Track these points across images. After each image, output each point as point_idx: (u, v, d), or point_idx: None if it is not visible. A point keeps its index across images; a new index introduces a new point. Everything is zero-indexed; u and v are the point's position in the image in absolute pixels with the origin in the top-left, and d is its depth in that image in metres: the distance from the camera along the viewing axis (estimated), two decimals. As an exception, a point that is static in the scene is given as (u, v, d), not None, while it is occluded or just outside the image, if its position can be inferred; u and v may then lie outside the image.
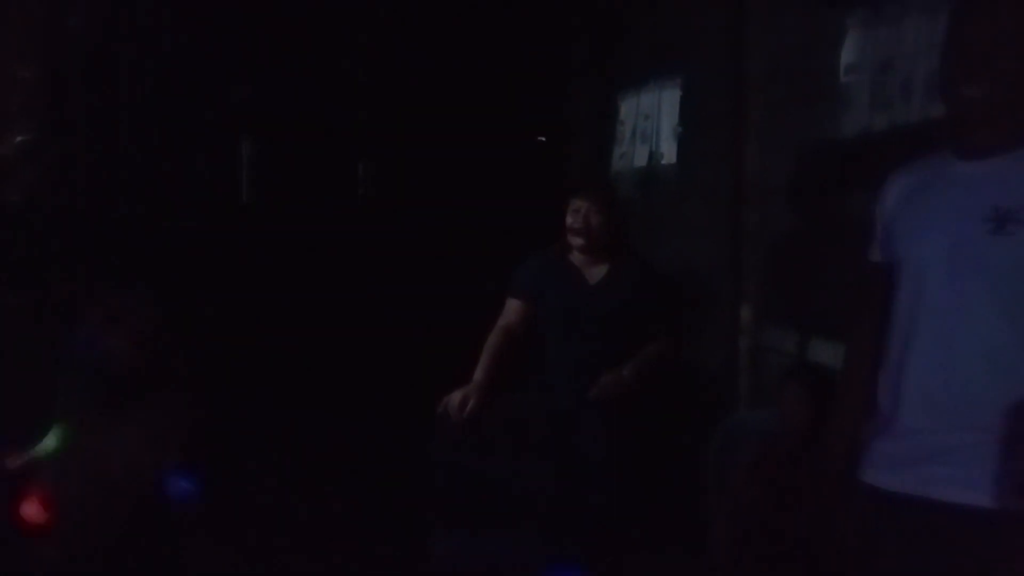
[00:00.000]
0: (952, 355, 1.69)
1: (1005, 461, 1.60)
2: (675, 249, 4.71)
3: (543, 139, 6.37)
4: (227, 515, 3.43)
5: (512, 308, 3.38)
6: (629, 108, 5.44)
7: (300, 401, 4.87)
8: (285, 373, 5.11)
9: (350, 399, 4.93)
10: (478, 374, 3.21)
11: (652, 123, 5.18)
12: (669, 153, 4.95)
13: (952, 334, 1.69)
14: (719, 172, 4.12)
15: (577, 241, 3.29)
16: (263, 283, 5.44)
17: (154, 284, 2.94)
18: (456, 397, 3.11)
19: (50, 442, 2.56)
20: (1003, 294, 1.65)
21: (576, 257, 3.34)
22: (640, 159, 5.28)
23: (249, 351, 4.87)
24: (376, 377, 5.27)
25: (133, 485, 2.50)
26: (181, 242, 4.94)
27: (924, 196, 1.81)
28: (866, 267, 1.92)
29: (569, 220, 3.30)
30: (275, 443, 4.50)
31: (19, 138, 4.35)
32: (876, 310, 1.85)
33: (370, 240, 6.00)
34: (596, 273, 3.32)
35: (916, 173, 1.86)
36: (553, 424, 3.23)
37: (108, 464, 2.49)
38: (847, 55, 3.44)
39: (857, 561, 1.80)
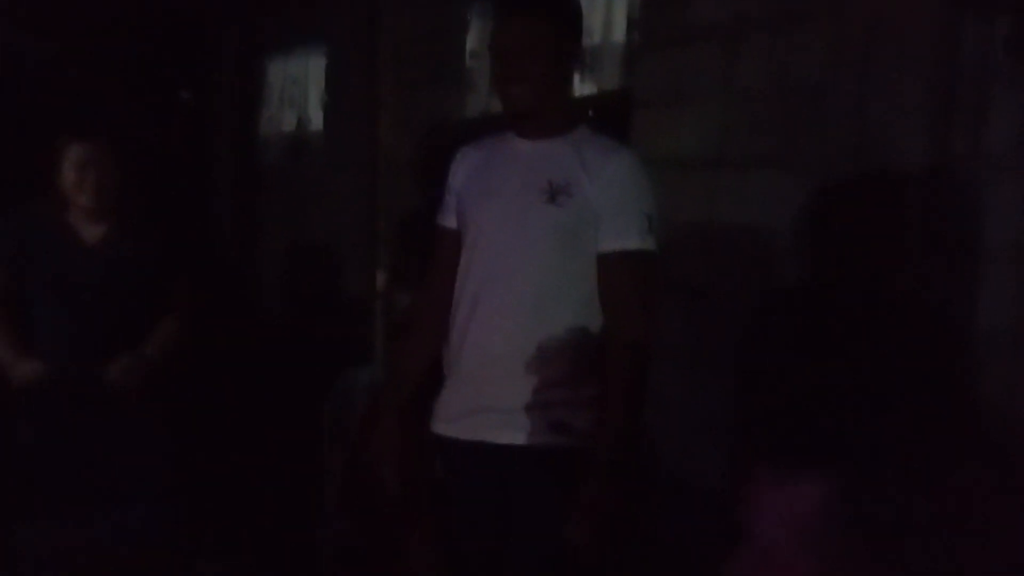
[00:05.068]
0: (506, 311, 1.97)
1: (544, 404, 1.94)
2: (322, 215, 4.86)
3: (187, 94, 6.13)
4: None
5: None
6: (277, 71, 5.48)
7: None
8: None
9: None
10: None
11: (300, 88, 5.26)
12: (316, 120, 5.07)
13: (507, 293, 1.97)
14: (358, 144, 4.31)
15: (81, 200, 2.82)
16: None
17: None
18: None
19: None
20: (551, 256, 1.95)
21: (73, 214, 2.87)
22: (288, 124, 5.36)
23: None
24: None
25: None
26: None
27: (488, 170, 2.07)
28: (439, 231, 2.12)
29: (71, 175, 2.80)
30: None
31: None
32: (446, 272, 2.08)
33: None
34: (94, 233, 2.88)
35: (482, 149, 2.12)
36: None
37: None
38: (470, 42, 3.75)
39: (430, 505, 2.05)
